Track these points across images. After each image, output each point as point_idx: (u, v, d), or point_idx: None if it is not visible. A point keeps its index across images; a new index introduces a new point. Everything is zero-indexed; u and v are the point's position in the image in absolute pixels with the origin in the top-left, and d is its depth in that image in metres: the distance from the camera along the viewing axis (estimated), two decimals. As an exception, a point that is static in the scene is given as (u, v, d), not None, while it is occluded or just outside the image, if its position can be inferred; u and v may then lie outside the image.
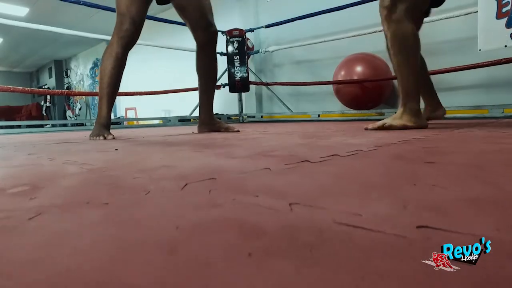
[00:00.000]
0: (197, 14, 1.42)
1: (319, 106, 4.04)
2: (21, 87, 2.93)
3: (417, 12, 1.47)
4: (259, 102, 4.74)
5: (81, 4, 2.96)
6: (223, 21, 5.15)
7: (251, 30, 4.35)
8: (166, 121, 3.85)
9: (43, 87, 10.92)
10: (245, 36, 4.14)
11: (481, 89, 3.01)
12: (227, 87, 4.20)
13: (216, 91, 4.21)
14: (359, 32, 3.32)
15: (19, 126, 10.83)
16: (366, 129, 1.27)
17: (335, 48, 3.75)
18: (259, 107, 4.73)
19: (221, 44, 4.23)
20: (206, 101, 1.57)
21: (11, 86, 2.66)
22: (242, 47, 4.08)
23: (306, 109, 4.19)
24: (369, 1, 3.07)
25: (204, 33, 1.47)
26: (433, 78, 2.98)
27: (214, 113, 4.99)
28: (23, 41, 8.05)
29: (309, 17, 3.67)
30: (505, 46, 2.41)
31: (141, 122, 7.18)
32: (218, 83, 4.19)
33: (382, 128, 1.20)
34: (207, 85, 1.56)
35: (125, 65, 1.28)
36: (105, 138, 1.15)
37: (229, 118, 4.58)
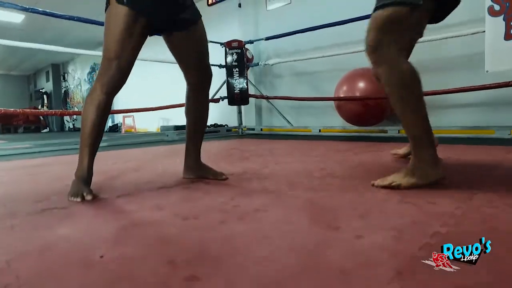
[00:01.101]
0: (193, 56, 1.29)
1: (320, 119, 3.96)
2: (12, 109, 2.84)
3: (410, 44, 1.36)
4: (259, 114, 4.65)
5: (75, 20, 2.87)
6: (222, 31, 5.08)
7: (251, 42, 4.26)
8: (164, 136, 3.75)
9: (41, 90, 10.82)
10: (245, 48, 4.05)
11: (487, 108, 2.93)
12: (226, 100, 4.12)
13: (212, 91, 4.11)
14: (360, 47, 3.23)
15: (16, 131, 10.74)
16: (373, 185, 1.14)
17: (336, 61, 3.66)
18: (258, 119, 4.64)
19: (220, 55, 4.17)
20: (193, 146, 1.39)
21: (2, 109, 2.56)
22: (242, 59, 3.99)
23: (307, 122, 4.10)
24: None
25: (198, 73, 1.31)
26: (437, 95, 2.92)
27: (213, 123, 4.90)
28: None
29: (309, 30, 3.60)
30: (514, 68, 2.33)
31: (138, 129, 7.11)
32: (217, 96, 4.12)
33: (390, 187, 1.09)
34: (196, 130, 1.37)
35: (109, 111, 1.17)
36: (83, 199, 1.04)
37: (228, 130, 4.50)
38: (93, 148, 1.11)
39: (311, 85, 4.09)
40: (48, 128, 10.72)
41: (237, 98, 4.00)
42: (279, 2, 4.39)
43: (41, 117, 10.88)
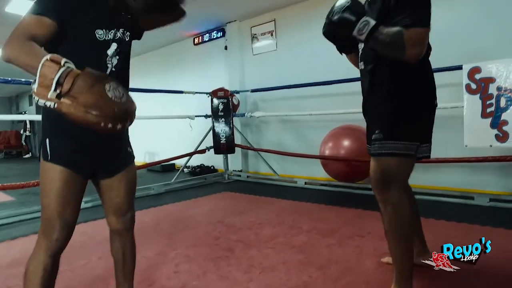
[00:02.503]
0: (113, 193, 1.13)
1: (306, 168, 3.99)
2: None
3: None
4: (245, 158, 4.66)
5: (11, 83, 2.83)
6: (209, 70, 5.12)
7: (237, 92, 4.30)
8: (149, 190, 3.71)
9: (23, 113, 10.60)
10: (230, 95, 4.08)
11: (467, 169, 3.00)
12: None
13: (199, 137, 4.06)
14: (345, 100, 3.29)
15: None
16: None
17: (321, 108, 3.68)
18: (245, 163, 4.65)
19: (206, 104, 4.19)
20: None
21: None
22: (227, 108, 4.01)
23: (293, 170, 4.13)
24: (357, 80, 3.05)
25: (118, 220, 1.15)
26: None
27: (199, 164, 4.85)
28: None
29: (294, 87, 3.66)
30: (490, 146, 2.41)
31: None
32: (203, 146, 4.12)
33: None
34: (125, 277, 1.21)
35: (57, 271, 1.04)
36: None
37: (213, 171, 4.50)
38: None
39: (297, 133, 4.13)
40: (30, 153, 10.49)
41: (223, 148, 4.01)
42: (265, 48, 4.45)
43: (23, 142, 10.65)
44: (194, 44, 5.32)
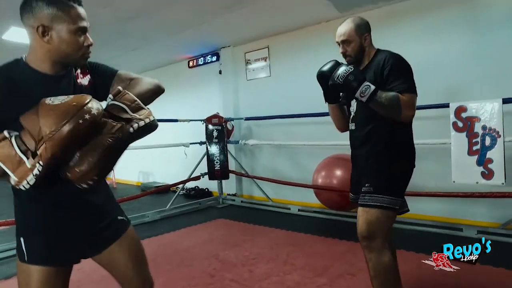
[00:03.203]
0: (121, 268, 1.08)
1: (300, 193, 4.03)
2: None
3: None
4: (239, 181, 4.71)
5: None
6: (203, 92, 5.19)
7: (231, 119, 4.37)
8: (144, 218, 3.73)
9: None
10: (224, 124, 4.14)
11: (456, 199, 3.08)
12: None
13: (195, 161, 4.08)
14: (340, 140, 3.36)
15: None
16: None
17: (315, 136, 3.75)
18: (239, 186, 4.70)
19: (201, 129, 4.25)
20: None
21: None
22: (222, 134, 4.08)
23: (286, 195, 4.18)
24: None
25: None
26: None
27: (194, 186, 4.86)
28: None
29: (287, 117, 3.74)
30: (477, 182, 2.49)
31: (118, 180, 7.01)
32: (197, 172, 4.16)
33: None
34: None
35: None
36: None
37: (208, 195, 4.54)
38: None
39: (291, 159, 4.19)
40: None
41: (218, 174, 4.06)
42: (259, 73, 4.53)
43: None
44: (189, 67, 5.39)
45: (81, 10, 0.91)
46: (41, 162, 0.77)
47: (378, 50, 1.55)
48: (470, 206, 3.00)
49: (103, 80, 1.03)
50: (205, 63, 5.15)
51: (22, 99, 0.86)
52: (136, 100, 0.91)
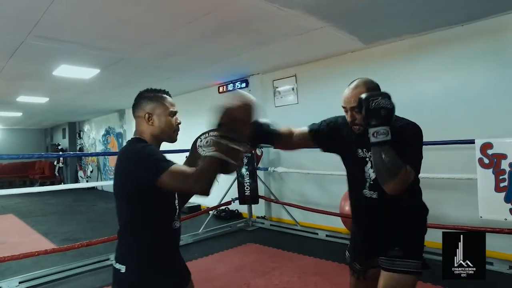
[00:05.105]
0: None
1: (327, 218, 4.11)
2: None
3: None
4: (268, 204, 4.85)
5: (20, 159, 3.13)
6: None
7: (260, 147, 4.54)
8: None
9: (58, 147, 11.24)
10: (254, 150, 4.32)
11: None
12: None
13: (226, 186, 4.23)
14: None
15: (32, 184, 11.06)
16: None
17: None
18: (268, 209, 4.84)
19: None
20: None
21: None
22: (252, 162, 4.25)
23: (314, 219, 4.26)
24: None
25: None
26: (434, 214, 3.01)
27: (224, 208, 5.00)
28: (41, 112, 8.41)
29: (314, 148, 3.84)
30: (505, 219, 2.51)
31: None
32: (227, 198, 4.34)
33: None
34: None
35: None
36: None
37: (237, 216, 4.69)
38: None
39: (318, 184, 4.30)
40: (62, 183, 11.06)
41: (248, 199, 4.23)
42: (287, 101, 4.69)
43: (57, 173, 11.25)
44: (219, 92, 5.64)
45: (170, 99, 1.26)
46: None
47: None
48: (499, 238, 2.98)
49: None
50: (234, 89, 5.38)
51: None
52: None
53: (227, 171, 1.12)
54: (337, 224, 3.88)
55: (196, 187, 1.05)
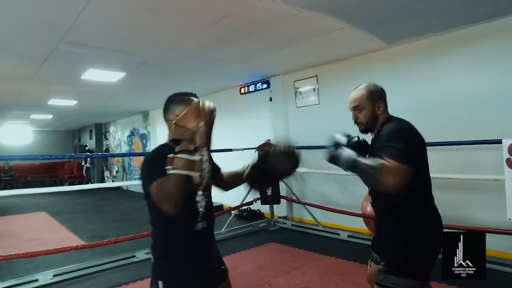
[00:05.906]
0: None
1: (349, 218, 4.09)
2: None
3: None
4: (290, 204, 4.88)
5: (53, 159, 3.25)
6: (254, 118, 5.45)
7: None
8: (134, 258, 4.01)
9: (85, 147, 11.66)
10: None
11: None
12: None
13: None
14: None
15: (62, 184, 11.49)
16: None
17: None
18: (289, 209, 4.87)
19: (253, 156, 4.49)
20: None
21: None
22: (273, 162, 4.28)
23: (336, 219, 4.26)
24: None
25: None
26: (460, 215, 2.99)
27: (246, 208, 5.06)
28: (70, 115, 8.75)
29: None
30: (535, 221, 2.44)
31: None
32: (249, 198, 4.39)
33: None
34: None
35: None
36: None
37: (259, 216, 4.74)
38: None
39: (340, 184, 4.29)
40: (90, 183, 11.45)
41: (270, 199, 4.26)
42: (308, 101, 4.70)
43: (84, 173, 11.65)
44: (240, 94, 5.71)
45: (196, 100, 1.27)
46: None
47: (389, 118, 1.45)
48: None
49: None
50: (256, 90, 5.43)
51: None
52: None
53: (194, 185, 1.02)
54: (359, 225, 3.86)
55: (164, 208, 1.02)
